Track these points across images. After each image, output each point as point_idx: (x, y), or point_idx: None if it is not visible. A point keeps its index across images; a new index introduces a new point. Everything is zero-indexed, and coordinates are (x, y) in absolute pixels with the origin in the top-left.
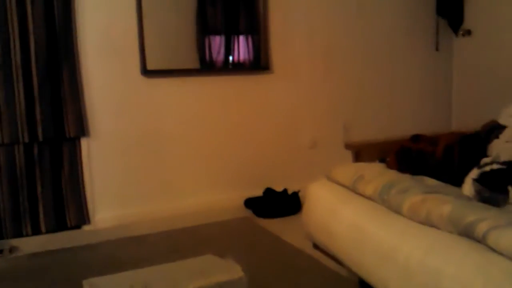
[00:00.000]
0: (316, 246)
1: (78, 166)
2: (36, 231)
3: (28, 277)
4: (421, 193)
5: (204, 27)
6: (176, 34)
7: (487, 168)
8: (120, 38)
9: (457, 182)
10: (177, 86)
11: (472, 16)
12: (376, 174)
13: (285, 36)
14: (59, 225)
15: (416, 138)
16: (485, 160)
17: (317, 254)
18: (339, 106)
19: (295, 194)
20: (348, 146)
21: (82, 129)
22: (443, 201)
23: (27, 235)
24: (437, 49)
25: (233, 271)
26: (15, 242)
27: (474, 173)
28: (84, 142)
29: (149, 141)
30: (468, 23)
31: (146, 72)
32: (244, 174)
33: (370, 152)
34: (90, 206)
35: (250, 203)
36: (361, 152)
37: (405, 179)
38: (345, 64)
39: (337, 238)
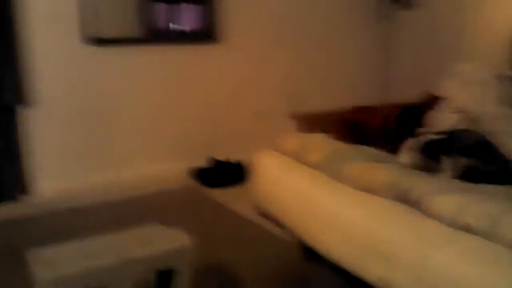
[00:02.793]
0: (261, 214)
1: (16, 135)
2: None
3: None
4: (361, 161)
5: None
6: (120, 2)
7: (422, 138)
8: (62, 5)
9: (395, 151)
10: (121, 56)
11: None
12: (319, 144)
13: (235, 6)
14: None
15: (356, 109)
16: (420, 130)
17: (262, 222)
18: (285, 77)
19: (240, 164)
20: (292, 116)
21: (20, 97)
22: (381, 168)
23: None
24: (377, 22)
25: (180, 239)
26: None
27: (410, 142)
28: (23, 110)
29: (92, 111)
30: None
31: (89, 40)
32: (189, 144)
33: (313, 122)
34: (29, 176)
35: (195, 173)
36: (305, 123)
37: (347, 149)
38: (292, 36)
39: (283, 205)
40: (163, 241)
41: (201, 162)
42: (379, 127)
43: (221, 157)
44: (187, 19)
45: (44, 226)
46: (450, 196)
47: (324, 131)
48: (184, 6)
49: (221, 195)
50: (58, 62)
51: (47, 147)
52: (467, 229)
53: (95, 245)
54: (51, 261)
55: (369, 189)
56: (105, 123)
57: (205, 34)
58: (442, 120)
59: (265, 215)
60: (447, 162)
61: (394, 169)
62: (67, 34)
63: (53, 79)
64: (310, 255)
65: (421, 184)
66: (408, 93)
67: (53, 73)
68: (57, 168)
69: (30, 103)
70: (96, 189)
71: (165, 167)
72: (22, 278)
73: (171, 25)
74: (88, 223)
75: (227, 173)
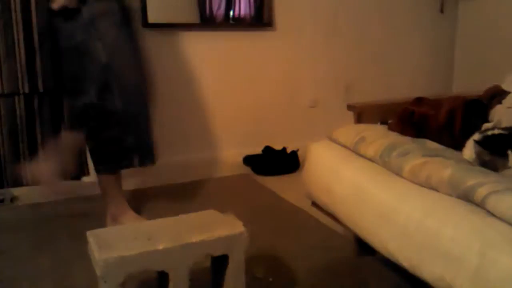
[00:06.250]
0: (314, 204)
1: None
2: (36, 181)
3: (31, 226)
4: (422, 156)
5: None
6: None
7: (489, 133)
8: None
9: (458, 146)
10: (177, 41)
11: None
12: (377, 136)
13: None
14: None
15: (419, 101)
16: (486, 125)
17: (315, 212)
18: (342, 66)
19: (294, 153)
20: (350, 107)
21: None
22: (443, 164)
23: (27, 185)
24: (441, 11)
25: (235, 226)
26: (15, 191)
27: (475, 136)
28: None
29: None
30: None
31: (147, 25)
32: (243, 131)
33: (372, 113)
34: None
35: (249, 160)
36: (363, 114)
37: (407, 142)
38: (348, 23)
39: (337, 197)
40: (218, 227)
41: (256, 150)
42: (442, 121)
43: (277, 145)
44: (241, 5)
45: (102, 206)
46: None
47: (383, 122)
48: None
49: (274, 183)
50: None
51: None
52: None
53: (152, 228)
54: (110, 242)
55: (430, 185)
56: (161, 107)
57: (259, 20)
58: (509, 114)
59: (319, 205)
60: None
61: (457, 165)
62: None
63: None
64: (364, 249)
65: (487, 183)
66: (473, 86)
67: None
68: None
69: None
70: (152, 172)
71: (220, 153)
72: (84, 256)
73: (226, 11)
74: (144, 205)
75: (282, 162)
